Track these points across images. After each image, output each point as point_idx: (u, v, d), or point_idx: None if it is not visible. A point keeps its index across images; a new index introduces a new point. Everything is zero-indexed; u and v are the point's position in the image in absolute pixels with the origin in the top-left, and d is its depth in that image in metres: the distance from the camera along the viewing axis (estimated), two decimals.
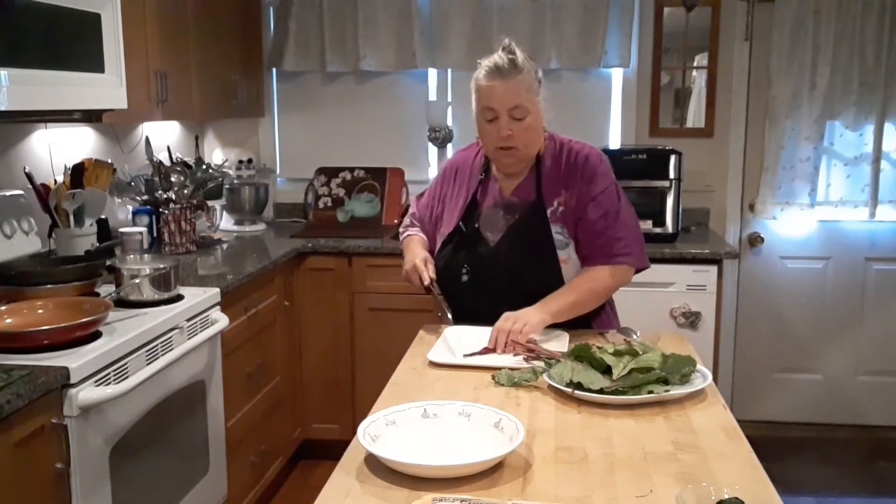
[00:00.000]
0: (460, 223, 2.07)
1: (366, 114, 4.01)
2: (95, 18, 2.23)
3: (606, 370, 1.62)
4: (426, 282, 2.03)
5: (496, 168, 2.09)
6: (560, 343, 1.87)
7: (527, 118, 1.93)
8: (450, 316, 2.04)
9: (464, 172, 2.15)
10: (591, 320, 2.09)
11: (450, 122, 3.89)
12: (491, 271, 2.01)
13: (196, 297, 2.36)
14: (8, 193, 2.47)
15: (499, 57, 1.93)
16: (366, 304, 3.43)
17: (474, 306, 2.00)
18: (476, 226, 2.06)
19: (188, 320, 2.27)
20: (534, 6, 3.70)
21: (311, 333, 3.45)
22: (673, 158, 3.44)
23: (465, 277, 2.03)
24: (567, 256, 2.00)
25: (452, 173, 2.18)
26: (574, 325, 2.00)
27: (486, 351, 1.84)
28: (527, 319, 1.86)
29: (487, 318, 1.93)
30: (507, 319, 1.86)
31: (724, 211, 3.88)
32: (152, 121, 3.27)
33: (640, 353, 1.66)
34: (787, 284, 3.90)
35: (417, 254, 2.10)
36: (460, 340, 1.92)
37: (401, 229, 2.32)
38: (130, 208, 3.20)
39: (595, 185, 2.00)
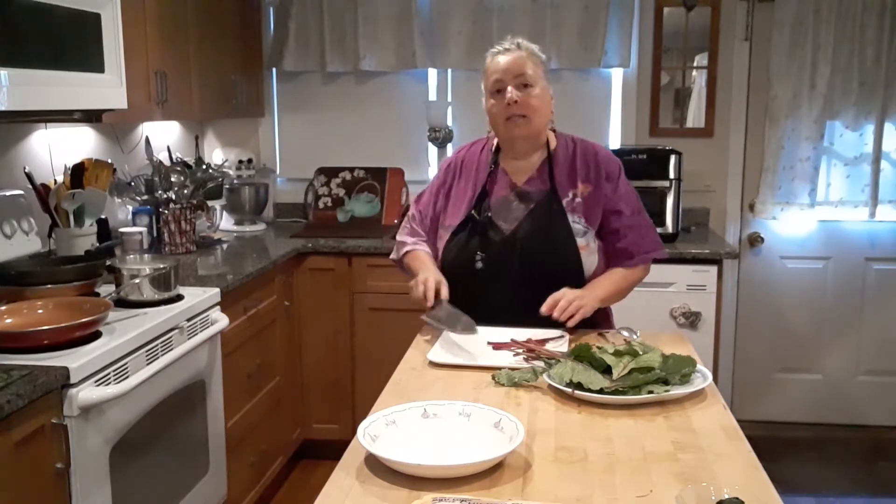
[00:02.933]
0: (472, 211, 2.06)
1: (366, 114, 4.01)
2: (95, 18, 2.23)
3: (606, 370, 1.62)
4: (429, 303, 1.95)
5: (506, 155, 2.09)
6: (560, 343, 1.87)
7: (533, 89, 1.98)
8: (474, 328, 1.91)
9: (470, 167, 2.15)
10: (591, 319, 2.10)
11: (450, 122, 3.89)
12: (506, 258, 2.02)
13: (196, 297, 2.36)
14: (8, 193, 2.47)
15: (504, 42, 2.05)
16: (366, 304, 3.43)
17: (489, 294, 2.01)
18: (488, 214, 2.06)
19: (188, 320, 2.27)
20: (534, 6, 3.70)
21: (311, 333, 3.45)
22: (673, 158, 3.44)
23: (479, 265, 2.03)
24: (586, 244, 2.03)
25: (457, 168, 2.17)
26: (541, 321, 1.98)
27: (511, 344, 1.83)
28: (584, 297, 1.93)
29: (501, 306, 1.96)
30: (567, 293, 1.91)
31: (724, 211, 3.88)
32: (152, 121, 3.27)
33: (640, 353, 1.66)
34: (787, 284, 3.90)
35: (433, 271, 2.04)
36: (462, 340, 1.91)
37: (399, 238, 2.24)
38: (130, 208, 3.20)
39: (621, 182, 2.10)
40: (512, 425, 1.35)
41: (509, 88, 1.98)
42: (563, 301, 1.89)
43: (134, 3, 2.63)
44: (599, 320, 2.13)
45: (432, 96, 3.96)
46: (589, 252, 2.04)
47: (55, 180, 2.69)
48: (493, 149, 2.13)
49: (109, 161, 2.86)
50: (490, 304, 1.98)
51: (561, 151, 2.09)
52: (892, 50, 3.57)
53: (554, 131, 2.13)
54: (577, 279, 2.04)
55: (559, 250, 2.01)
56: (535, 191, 2.07)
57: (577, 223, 2.03)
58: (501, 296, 2.00)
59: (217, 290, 2.48)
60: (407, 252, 2.19)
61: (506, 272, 2.02)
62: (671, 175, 3.43)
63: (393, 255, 2.26)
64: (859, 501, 3.30)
